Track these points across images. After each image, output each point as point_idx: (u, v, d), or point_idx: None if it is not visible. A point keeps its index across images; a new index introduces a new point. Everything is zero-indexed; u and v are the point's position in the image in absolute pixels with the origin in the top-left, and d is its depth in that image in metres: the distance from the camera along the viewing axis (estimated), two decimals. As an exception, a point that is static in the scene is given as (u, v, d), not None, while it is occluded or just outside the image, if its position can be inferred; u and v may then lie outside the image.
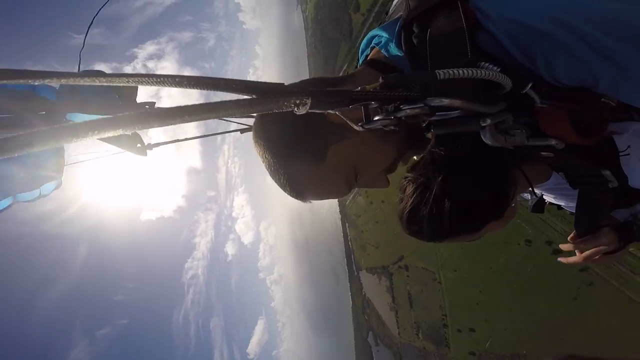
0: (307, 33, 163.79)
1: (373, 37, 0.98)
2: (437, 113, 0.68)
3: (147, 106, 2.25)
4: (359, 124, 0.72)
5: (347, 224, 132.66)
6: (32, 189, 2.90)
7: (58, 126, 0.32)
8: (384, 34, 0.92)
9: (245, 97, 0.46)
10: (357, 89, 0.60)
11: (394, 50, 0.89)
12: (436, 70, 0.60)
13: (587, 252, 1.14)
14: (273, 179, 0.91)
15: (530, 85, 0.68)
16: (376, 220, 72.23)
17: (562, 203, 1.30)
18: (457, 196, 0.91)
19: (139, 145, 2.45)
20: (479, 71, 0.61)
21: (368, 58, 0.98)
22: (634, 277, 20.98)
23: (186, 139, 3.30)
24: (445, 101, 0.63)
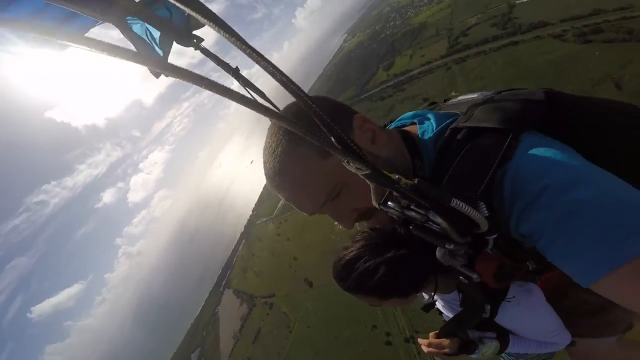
0: (332, 60, 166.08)
1: (420, 115, 1.11)
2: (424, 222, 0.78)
3: (195, 40, 1.79)
4: (376, 202, 0.81)
5: (243, 241, 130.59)
6: None
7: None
8: (432, 120, 1.05)
9: (317, 129, 0.54)
10: (397, 178, 0.69)
11: (428, 135, 1.01)
12: (453, 198, 0.72)
13: (432, 349, 1.44)
14: (267, 152, 0.96)
15: (495, 235, 0.79)
16: (272, 252, 73.88)
17: (444, 312, 1.55)
18: (392, 268, 1.09)
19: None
20: (476, 214, 0.72)
21: (405, 128, 1.11)
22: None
23: (204, 87, 2.49)
24: (439, 220, 0.75)
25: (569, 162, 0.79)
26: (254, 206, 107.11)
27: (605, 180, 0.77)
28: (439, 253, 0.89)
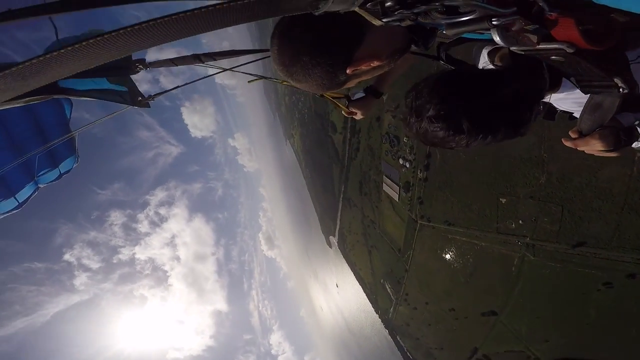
0: (301, 165, 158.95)
1: None
2: (449, 15, 0.66)
3: (139, 65, 2.12)
4: (380, 18, 0.69)
5: (397, 336, 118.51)
6: (50, 168, 2.72)
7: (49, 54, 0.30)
8: None
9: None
10: None
11: None
12: None
13: (582, 148, 1.13)
14: (297, 73, 0.94)
15: None
16: (429, 323, 64.90)
17: (572, 109, 1.26)
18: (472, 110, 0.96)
19: (140, 98, 2.35)
20: None
21: None
22: None
23: (185, 84, 3.00)
24: (459, 1, 0.62)
25: None
26: (373, 309, 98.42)
27: None
28: (495, 37, 0.74)
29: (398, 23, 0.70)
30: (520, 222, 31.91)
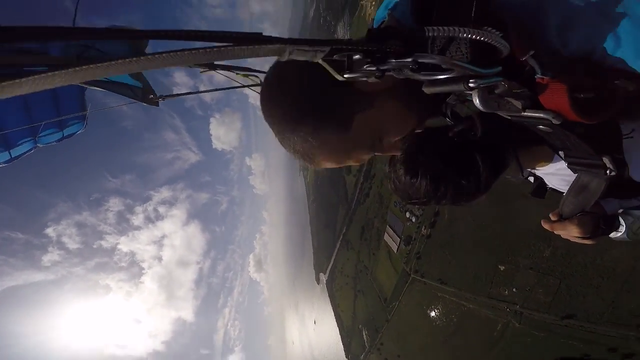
0: (309, 198, 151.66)
1: (390, 1, 0.80)
2: (426, 72, 0.57)
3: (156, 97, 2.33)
4: (341, 73, 0.60)
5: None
6: (55, 130, 2.66)
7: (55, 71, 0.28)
8: None
9: (220, 44, 0.39)
10: (340, 39, 0.53)
11: (400, 12, 0.74)
12: (425, 27, 0.54)
13: (559, 232, 1.06)
14: (286, 140, 0.79)
15: (531, 53, 0.58)
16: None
17: (561, 189, 1.11)
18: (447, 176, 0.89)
19: (151, 96, 2.32)
20: (471, 32, 0.51)
21: (382, 25, 0.79)
22: None
23: (198, 92, 3.19)
24: (435, 58, 0.54)
25: None
26: (344, 352, 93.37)
27: None
28: (475, 100, 0.59)
29: (365, 79, 0.60)
30: (514, 289, 31.60)
